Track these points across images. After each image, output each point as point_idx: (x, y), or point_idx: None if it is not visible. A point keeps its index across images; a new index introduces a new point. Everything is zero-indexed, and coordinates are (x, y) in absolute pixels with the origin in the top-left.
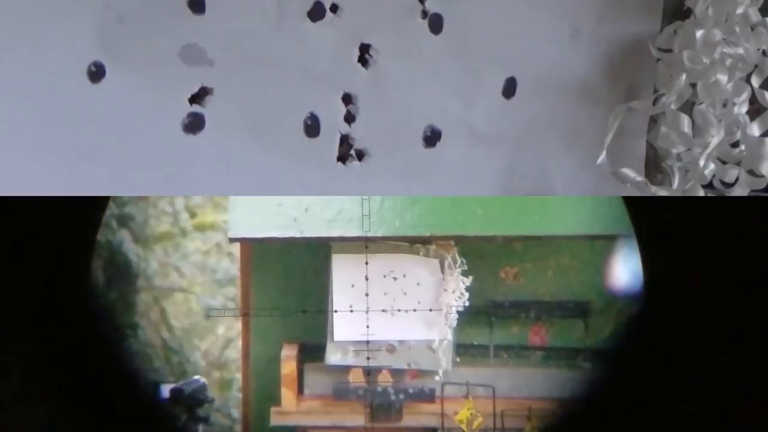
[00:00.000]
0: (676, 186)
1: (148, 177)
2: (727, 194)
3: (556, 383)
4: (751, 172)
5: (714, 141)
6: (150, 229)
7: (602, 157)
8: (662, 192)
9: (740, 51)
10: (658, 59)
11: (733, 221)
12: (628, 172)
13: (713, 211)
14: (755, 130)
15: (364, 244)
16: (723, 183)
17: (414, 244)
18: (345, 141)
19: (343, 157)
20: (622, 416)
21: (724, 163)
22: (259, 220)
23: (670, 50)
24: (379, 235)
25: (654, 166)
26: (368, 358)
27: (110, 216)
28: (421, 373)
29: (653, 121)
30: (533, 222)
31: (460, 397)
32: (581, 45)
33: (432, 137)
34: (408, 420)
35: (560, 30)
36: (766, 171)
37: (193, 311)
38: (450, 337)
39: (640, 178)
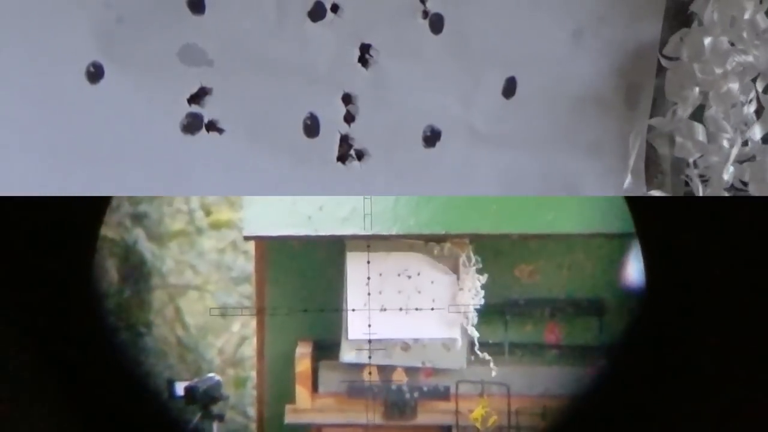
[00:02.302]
0: (701, 194)
1: (148, 177)
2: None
3: (570, 381)
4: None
5: (734, 150)
6: (165, 227)
7: (628, 181)
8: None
9: (750, 59)
10: (667, 68)
11: (745, 220)
12: (655, 194)
13: (723, 210)
14: (757, 132)
15: (378, 242)
16: (742, 182)
17: (428, 242)
18: (345, 141)
19: (343, 157)
20: (636, 414)
21: (740, 162)
22: (273, 219)
23: (677, 59)
24: (393, 233)
25: (654, 166)
26: (382, 356)
27: (125, 214)
28: (435, 372)
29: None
30: (548, 220)
31: (474, 395)
32: (582, 45)
33: (432, 137)
34: (422, 418)
35: (561, 30)
36: None
37: (208, 309)
38: (466, 335)
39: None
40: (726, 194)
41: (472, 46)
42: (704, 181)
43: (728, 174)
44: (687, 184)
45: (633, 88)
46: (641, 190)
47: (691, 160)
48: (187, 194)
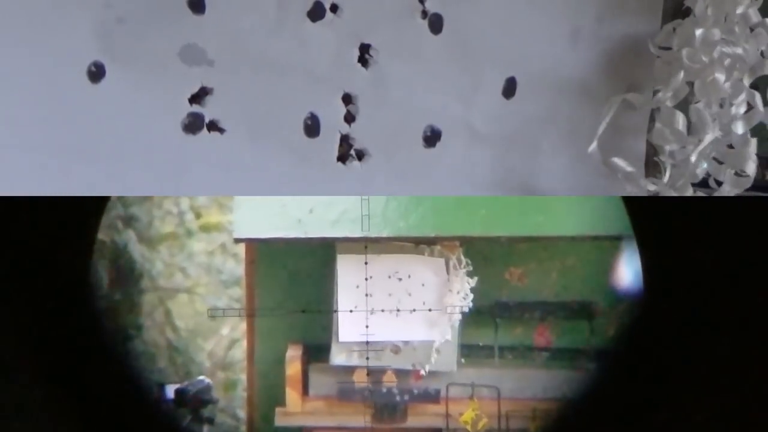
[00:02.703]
0: (666, 180)
1: (148, 177)
2: (717, 194)
3: (561, 384)
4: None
5: (707, 139)
6: (155, 229)
7: (593, 146)
8: (652, 186)
9: (739, 51)
10: (657, 57)
11: (736, 222)
12: (618, 161)
13: (716, 212)
14: (740, 128)
15: (369, 245)
16: (717, 182)
17: (418, 244)
18: (345, 141)
19: (343, 157)
20: (626, 417)
21: (720, 163)
22: (263, 221)
23: (669, 48)
24: (384, 235)
25: (654, 164)
26: (372, 359)
27: (115, 217)
28: (425, 374)
29: (654, 119)
30: (538, 223)
31: (464, 398)
32: (581, 44)
33: (432, 137)
34: (412, 421)
35: (560, 29)
36: (751, 171)
37: (198, 312)
38: (455, 337)
39: (630, 168)
40: (691, 190)
41: (471, 46)
42: (677, 171)
43: (699, 167)
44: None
45: (632, 88)
46: (605, 158)
47: (667, 149)
48: (188, 194)
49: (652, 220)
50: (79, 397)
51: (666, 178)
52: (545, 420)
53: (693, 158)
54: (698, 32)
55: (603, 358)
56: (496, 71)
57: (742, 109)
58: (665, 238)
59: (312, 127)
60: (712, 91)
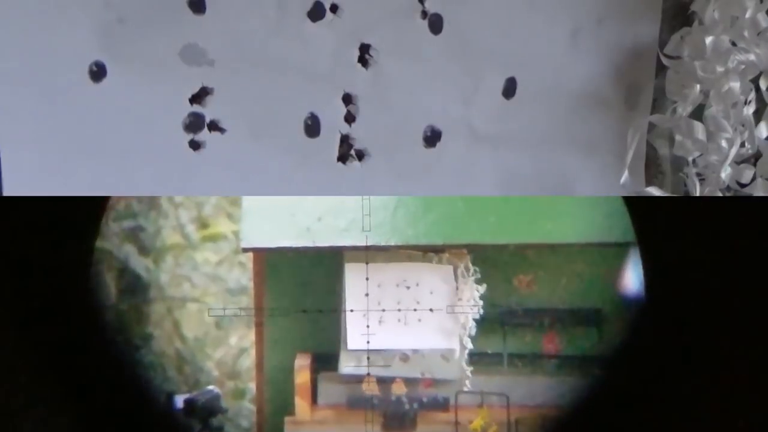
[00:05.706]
0: (698, 194)
1: (149, 177)
2: (745, 194)
3: (570, 391)
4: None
5: (733, 150)
6: (162, 240)
7: (625, 176)
8: (658, 192)
9: (752, 57)
10: (668, 67)
11: (746, 226)
12: (653, 190)
13: (724, 216)
14: (763, 131)
15: (377, 253)
16: (738, 183)
17: (427, 252)
18: (345, 141)
19: (343, 157)
20: (635, 424)
21: (738, 163)
22: (271, 230)
23: (678, 57)
24: (392, 243)
25: (654, 166)
26: (381, 368)
27: (122, 227)
28: (434, 382)
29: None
30: (546, 230)
31: (474, 406)
32: (581, 45)
33: (432, 137)
34: (422, 429)
35: (560, 30)
36: None
37: (206, 321)
38: (464, 345)
39: (666, 194)
40: (720, 194)
41: (471, 47)
42: (701, 180)
43: (726, 174)
44: (685, 184)
45: (632, 88)
46: (638, 188)
47: (690, 159)
48: (188, 194)
49: (657, 225)
50: (88, 408)
51: (697, 192)
52: (555, 427)
53: (723, 173)
54: (708, 40)
55: (612, 365)
56: (496, 71)
57: (752, 109)
58: (672, 244)
59: (312, 127)
60: (728, 99)
